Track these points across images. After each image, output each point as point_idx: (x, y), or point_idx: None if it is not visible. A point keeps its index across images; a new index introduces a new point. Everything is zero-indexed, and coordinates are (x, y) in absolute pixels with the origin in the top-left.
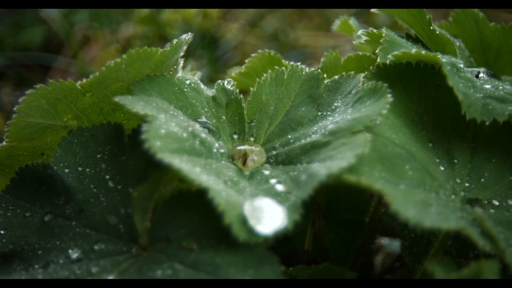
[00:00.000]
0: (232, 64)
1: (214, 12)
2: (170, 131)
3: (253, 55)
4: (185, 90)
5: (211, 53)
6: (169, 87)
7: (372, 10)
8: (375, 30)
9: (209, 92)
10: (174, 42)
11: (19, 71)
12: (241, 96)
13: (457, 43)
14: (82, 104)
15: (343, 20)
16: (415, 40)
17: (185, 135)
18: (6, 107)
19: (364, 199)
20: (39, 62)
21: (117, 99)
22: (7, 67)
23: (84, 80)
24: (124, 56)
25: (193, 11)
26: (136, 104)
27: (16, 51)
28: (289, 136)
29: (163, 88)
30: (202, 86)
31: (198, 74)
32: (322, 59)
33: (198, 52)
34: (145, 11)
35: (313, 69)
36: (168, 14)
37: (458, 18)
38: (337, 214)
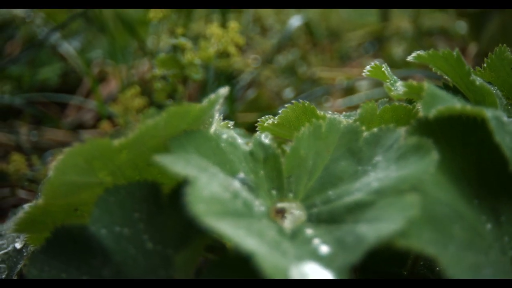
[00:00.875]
0: (249, 100)
1: (233, 50)
2: (213, 192)
3: (286, 105)
4: (222, 145)
5: (229, 91)
6: (206, 142)
7: (408, 58)
8: (414, 83)
9: (246, 146)
10: (212, 97)
11: (36, 108)
12: (279, 150)
13: (494, 91)
14: (118, 161)
15: (376, 66)
16: (454, 91)
17: (227, 195)
18: (24, 145)
19: (402, 251)
20: (56, 99)
21: (157, 159)
22: (24, 105)
23: (122, 138)
24: (164, 114)
25: (212, 51)
26: (176, 164)
27: (33, 89)
28: (330, 193)
29: (200, 143)
30: (239, 141)
31: (231, 123)
32: (358, 111)
33: (215, 89)
34: (165, 54)
35: (351, 120)
36: (187, 56)
37: (493, 65)
38: (374, 266)
